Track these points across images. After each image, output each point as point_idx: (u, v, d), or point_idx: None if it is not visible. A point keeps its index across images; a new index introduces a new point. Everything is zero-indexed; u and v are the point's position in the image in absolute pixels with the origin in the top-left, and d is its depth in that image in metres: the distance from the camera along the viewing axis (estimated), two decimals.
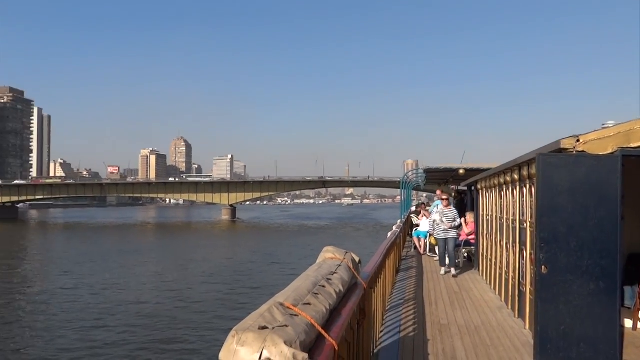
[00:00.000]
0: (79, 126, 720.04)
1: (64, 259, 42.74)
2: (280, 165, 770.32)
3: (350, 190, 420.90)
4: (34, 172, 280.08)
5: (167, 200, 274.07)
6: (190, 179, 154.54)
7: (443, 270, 12.71)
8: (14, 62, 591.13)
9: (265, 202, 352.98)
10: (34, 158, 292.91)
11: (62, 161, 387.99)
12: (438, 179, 26.80)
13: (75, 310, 22.98)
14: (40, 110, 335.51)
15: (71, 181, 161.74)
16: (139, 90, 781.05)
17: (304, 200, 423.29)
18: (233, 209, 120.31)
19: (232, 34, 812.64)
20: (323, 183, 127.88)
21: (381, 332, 6.94)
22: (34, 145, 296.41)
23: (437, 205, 14.70)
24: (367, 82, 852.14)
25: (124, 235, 76.04)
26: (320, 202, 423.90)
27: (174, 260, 42.23)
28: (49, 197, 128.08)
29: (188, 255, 45.77)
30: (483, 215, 11.91)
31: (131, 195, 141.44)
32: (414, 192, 61.13)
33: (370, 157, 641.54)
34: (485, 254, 11.52)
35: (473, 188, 14.02)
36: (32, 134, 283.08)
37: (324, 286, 2.67)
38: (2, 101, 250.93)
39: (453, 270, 12.43)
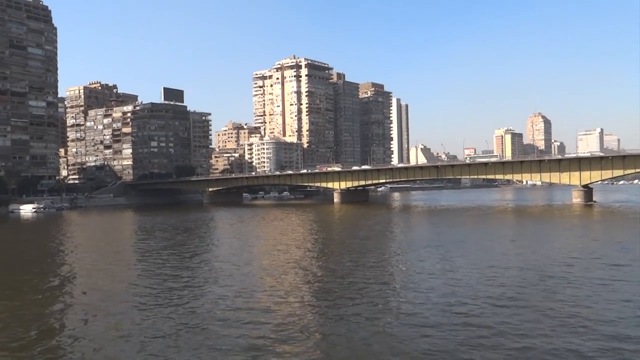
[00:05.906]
0: (436, 112, 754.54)
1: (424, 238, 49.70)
2: None
3: None
4: (395, 158, 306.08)
5: (524, 181, 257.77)
6: (532, 158, 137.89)
7: None
8: (374, 58, 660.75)
9: None
10: (394, 145, 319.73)
11: (422, 146, 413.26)
12: None
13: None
14: (398, 100, 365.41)
15: (394, 166, 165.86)
16: (492, 70, 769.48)
17: None
18: (588, 190, 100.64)
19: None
20: None
21: None
22: (394, 133, 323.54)
23: None
24: None
25: (456, 219, 71.97)
26: None
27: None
28: (390, 180, 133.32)
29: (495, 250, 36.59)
30: None
31: (475, 176, 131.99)
32: None
33: None
34: None
35: None
36: (391, 123, 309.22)
37: None
38: (366, 95, 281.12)
39: None
